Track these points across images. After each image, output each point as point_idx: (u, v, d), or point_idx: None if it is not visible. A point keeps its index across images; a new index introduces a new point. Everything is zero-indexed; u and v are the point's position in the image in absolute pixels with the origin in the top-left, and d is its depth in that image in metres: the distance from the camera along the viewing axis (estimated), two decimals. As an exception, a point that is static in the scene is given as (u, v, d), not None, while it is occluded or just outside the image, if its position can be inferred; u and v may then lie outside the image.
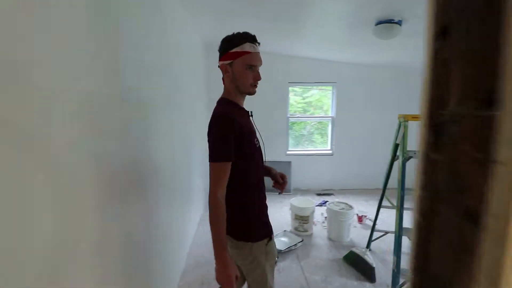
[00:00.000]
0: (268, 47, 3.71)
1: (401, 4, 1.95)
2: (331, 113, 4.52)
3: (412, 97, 4.45)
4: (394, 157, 2.14)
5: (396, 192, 2.06)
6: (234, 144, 1.01)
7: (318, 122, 4.72)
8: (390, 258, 2.57)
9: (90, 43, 0.92)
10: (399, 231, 1.92)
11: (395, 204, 2.27)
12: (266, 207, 1.19)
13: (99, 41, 0.99)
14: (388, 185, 4.63)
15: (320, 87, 4.55)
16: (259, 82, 1.10)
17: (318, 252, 2.67)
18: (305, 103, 4.68)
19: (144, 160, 1.45)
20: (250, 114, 1.18)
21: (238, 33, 1.06)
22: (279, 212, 3.62)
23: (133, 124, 1.31)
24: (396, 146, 2.28)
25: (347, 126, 4.46)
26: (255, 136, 1.13)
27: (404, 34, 2.31)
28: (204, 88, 3.83)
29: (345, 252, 2.59)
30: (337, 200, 4.01)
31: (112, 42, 1.09)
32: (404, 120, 2.08)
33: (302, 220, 2.94)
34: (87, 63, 0.91)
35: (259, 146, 1.17)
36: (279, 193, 1.29)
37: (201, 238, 2.86)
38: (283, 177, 1.27)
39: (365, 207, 3.85)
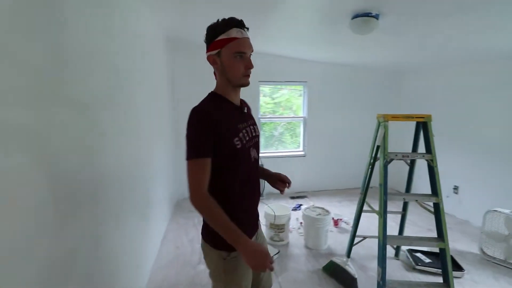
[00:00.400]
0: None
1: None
2: (302, 113, 4.39)
3: (384, 98, 4.51)
4: (374, 159, 2.01)
5: (373, 193, 1.94)
6: (211, 139, 0.92)
7: (288, 123, 4.56)
8: (370, 264, 2.46)
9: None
10: (383, 239, 1.78)
11: (375, 208, 2.14)
12: (248, 212, 1.08)
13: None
14: (358, 185, 4.69)
15: (289, 87, 4.40)
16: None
17: (296, 263, 2.47)
18: (274, 103, 4.50)
19: (85, 169, 1.16)
20: (244, 109, 1.07)
21: (224, 19, 0.95)
22: (252, 220, 3.37)
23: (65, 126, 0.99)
24: (375, 147, 2.16)
25: (318, 126, 4.36)
26: (236, 135, 0.98)
27: (380, 29, 2.20)
28: (168, 87, 3.44)
29: (324, 262, 2.43)
30: (312, 203, 3.89)
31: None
32: (384, 120, 1.96)
33: (277, 229, 2.72)
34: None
35: (249, 146, 1.04)
36: (281, 193, 1.21)
37: (164, 257, 2.50)
38: (283, 179, 1.20)
39: (339, 209, 3.76)
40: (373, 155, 2.20)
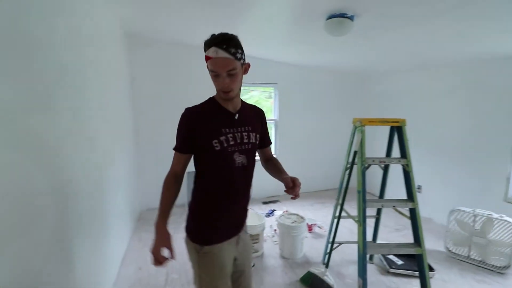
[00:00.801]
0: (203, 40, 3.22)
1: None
2: (273, 115, 4.29)
3: (352, 100, 4.60)
4: (352, 164, 1.95)
5: (340, 194, 1.89)
6: (190, 137, 1.05)
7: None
8: (346, 271, 2.41)
9: None
10: (364, 249, 1.71)
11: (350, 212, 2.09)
12: (228, 214, 1.13)
13: None
14: (329, 186, 4.75)
15: (259, 89, 4.27)
16: (227, 86, 1.02)
17: (272, 276, 2.33)
18: None
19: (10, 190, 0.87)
20: (235, 116, 1.11)
21: (211, 36, 1.02)
22: (224, 230, 3.16)
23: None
24: (353, 153, 2.11)
25: (289, 129, 4.30)
26: (216, 137, 1.04)
27: (353, 32, 2.16)
28: (128, 88, 3.09)
29: (301, 272, 2.32)
30: (285, 208, 3.80)
31: None
32: (360, 125, 1.90)
33: (252, 239, 2.55)
34: None
35: (234, 151, 1.08)
36: (292, 198, 1.18)
37: (124, 282, 2.19)
38: (294, 180, 1.13)
39: (312, 212, 3.72)
40: (349, 160, 2.15)
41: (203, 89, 3.68)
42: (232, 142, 1.07)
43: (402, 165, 1.89)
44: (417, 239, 1.83)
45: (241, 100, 1.17)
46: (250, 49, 3.47)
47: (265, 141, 1.30)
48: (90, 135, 1.76)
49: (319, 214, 3.68)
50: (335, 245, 2.41)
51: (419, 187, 3.57)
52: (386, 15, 1.97)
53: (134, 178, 3.30)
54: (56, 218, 1.22)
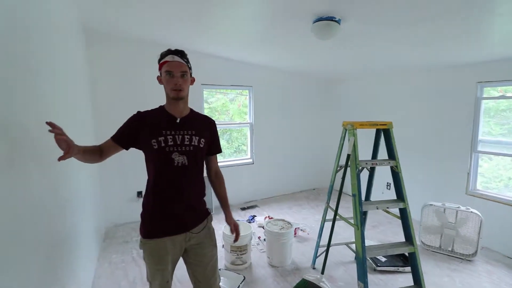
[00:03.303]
0: (176, 40, 2.99)
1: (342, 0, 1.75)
2: (249, 119, 4.19)
3: (325, 103, 4.72)
4: (345, 168, 1.94)
5: (329, 197, 1.86)
6: (129, 133, 1.24)
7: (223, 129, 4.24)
8: (336, 273, 2.42)
9: None
10: (363, 253, 1.70)
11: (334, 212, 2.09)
12: (168, 211, 1.23)
13: None
14: (303, 187, 4.81)
15: (228, 91, 4.13)
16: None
17: (264, 287, 2.22)
18: (209, 108, 4.17)
19: None
20: (176, 120, 1.26)
21: (167, 50, 1.23)
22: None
23: None
24: (341, 155, 2.11)
25: (264, 132, 4.24)
26: (155, 137, 1.19)
27: (339, 35, 2.17)
28: (87, 92, 2.69)
29: (293, 280, 2.26)
30: (265, 213, 3.72)
31: None
32: (352, 128, 1.91)
33: (239, 251, 2.41)
34: None
35: (172, 151, 1.21)
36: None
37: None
38: (236, 228, 1.44)
39: (291, 215, 3.71)
40: (339, 162, 2.15)
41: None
42: (171, 143, 1.21)
43: (391, 167, 1.94)
44: (409, 238, 1.89)
45: (192, 110, 1.34)
46: (224, 50, 3.35)
47: (212, 149, 1.40)
48: (41, 146, 1.45)
49: (298, 216, 3.67)
50: (324, 249, 2.40)
51: (389, 185, 3.79)
52: (371, 21, 2.01)
53: (98, 192, 2.91)
54: None
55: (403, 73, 3.60)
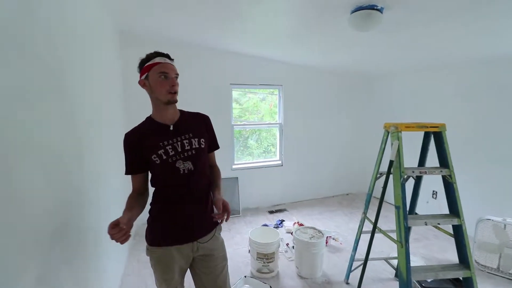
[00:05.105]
0: (205, 40, 2.95)
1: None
2: (278, 119, 4.04)
3: (359, 102, 4.41)
4: (388, 176, 1.71)
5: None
6: (135, 159, 1.17)
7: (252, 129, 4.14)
8: (375, 292, 2.19)
9: None
10: (408, 274, 1.48)
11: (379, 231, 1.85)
12: (176, 219, 1.19)
13: None
14: (336, 192, 4.52)
15: (258, 90, 4.01)
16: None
17: (293, 301, 2.07)
18: (241, 109, 4.09)
19: None
20: (170, 128, 1.19)
21: (151, 52, 1.16)
22: (231, 245, 2.88)
23: None
24: (382, 161, 1.88)
25: (294, 133, 4.06)
26: (155, 152, 1.13)
27: (379, 26, 1.94)
28: (120, 94, 2.76)
29: (324, 295, 2.08)
30: (294, 218, 3.54)
31: None
32: (396, 131, 1.67)
33: (266, 259, 2.29)
34: None
35: (176, 160, 1.16)
36: (214, 220, 1.15)
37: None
38: (225, 205, 1.15)
39: (322, 222, 3.49)
40: (379, 169, 1.92)
41: (201, 90, 3.42)
42: (172, 153, 1.15)
43: (443, 176, 1.67)
44: (465, 260, 1.61)
45: (181, 111, 1.26)
46: (254, 48, 3.23)
47: (210, 146, 1.33)
48: (81, 143, 1.45)
49: (330, 224, 3.44)
50: (359, 263, 2.18)
51: (435, 193, 3.40)
52: (421, 7, 1.75)
53: (127, 189, 2.98)
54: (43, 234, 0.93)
55: (453, 67, 3.18)
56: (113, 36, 2.59)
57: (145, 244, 1.24)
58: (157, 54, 1.15)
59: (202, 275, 1.27)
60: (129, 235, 0.96)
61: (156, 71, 1.11)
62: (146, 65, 1.13)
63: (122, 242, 0.94)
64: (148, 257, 1.24)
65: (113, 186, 2.12)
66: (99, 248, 1.66)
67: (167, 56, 1.17)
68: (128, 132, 1.18)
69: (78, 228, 1.35)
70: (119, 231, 0.92)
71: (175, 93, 1.14)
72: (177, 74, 1.16)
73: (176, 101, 1.16)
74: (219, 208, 1.12)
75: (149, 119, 1.22)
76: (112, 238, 0.92)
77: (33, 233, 0.92)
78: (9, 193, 0.80)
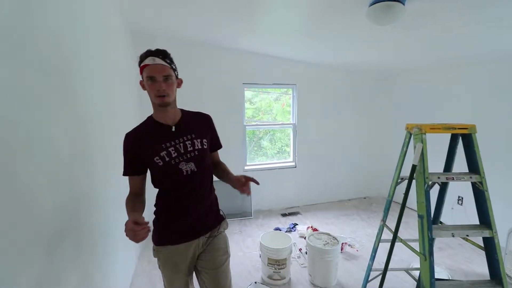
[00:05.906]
0: (218, 39, 2.90)
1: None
2: (292, 119, 3.93)
3: (376, 102, 4.21)
4: (410, 180, 1.57)
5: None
6: (135, 160, 1.13)
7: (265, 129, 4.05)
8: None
9: None
10: (432, 290, 1.34)
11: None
12: (182, 218, 1.19)
13: None
14: (352, 196, 4.34)
15: (271, 90, 3.92)
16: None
17: (305, 311, 1.97)
18: (254, 108, 4.01)
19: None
20: (172, 129, 1.16)
21: (145, 51, 1.10)
22: (241, 249, 2.81)
23: None
24: (403, 164, 1.74)
25: (308, 133, 3.94)
26: (157, 154, 1.11)
27: (403, 19, 1.80)
28: (134, 93, 2.77)
29: (339, 306, 1.96)
30: (307, 222, 3.42)
31: None
32: (420, 132, 1.54)
33: (278, 265, 2.20)
34: None
35: (179, 161, 1.13)
36: (247, 194, 1.20)
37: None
38: (244, 176, 1.18)
39: (338, 227, 3.34)
40: (400, 173, 1.78)
41: (213, 89, 3.37)
42: (175, 154, 1.13)
43: (473, 183, 1.52)
44: (497, 275, 1.45)
45: (182, 110, 1.23)
46: (267, 46, 3.15)
47: (213, 145, 1.32)
48: (89, 140, 1.43)
49: (346, 229, 3.30)
50: (376, 273, 2.05)
51: (461, 199, 3.17)
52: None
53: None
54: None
55: (484, 63, 2.94)
56: (125, 36, 2.59)
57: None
58: (147, 54, 1.08)
59: (204, 268, 1.26)
60: (149, 231, 0.94)
61: (145, 75, 1.08)
62: (140, 66, 1.09)
63: (142, 240, 0.91)
64: (156, 258, 1.24)
65: (122, 187, 2.11)
66: (108, 248, 1.66)
67: (160, 53, 1.09)
68: (129, 132, 1.16)
69: (88, 228, 1.33)
70: (143, 228, 0.90)
71: (164, 96, 1.08)
72: (167, 75, 1.08)
73: (167, 104, 1.11)
74: (242, 183, 1.15)
75: (150, 118, 1.19)
76: (134, 236, 0.89)
77: (40, 232, 0.93)
78: (15, 193, 0.79)
